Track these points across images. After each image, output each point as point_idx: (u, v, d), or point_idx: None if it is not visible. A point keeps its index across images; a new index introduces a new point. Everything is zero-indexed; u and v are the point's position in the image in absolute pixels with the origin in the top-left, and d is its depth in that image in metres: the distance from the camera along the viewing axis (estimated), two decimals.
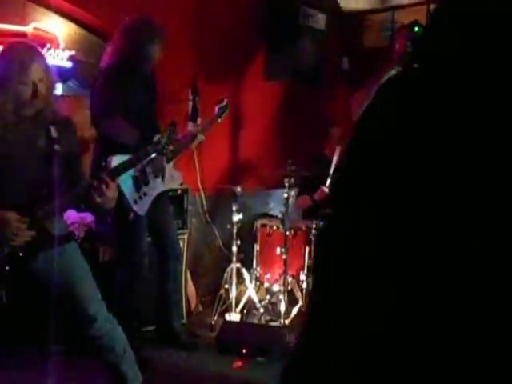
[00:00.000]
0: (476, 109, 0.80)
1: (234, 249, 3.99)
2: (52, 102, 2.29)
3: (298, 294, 3.87)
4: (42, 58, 2.30)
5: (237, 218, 3.98)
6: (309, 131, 4.85)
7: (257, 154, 4.78)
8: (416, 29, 3.39)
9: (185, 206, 3.96)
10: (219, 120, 3.78)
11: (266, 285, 4.10)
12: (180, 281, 3.82)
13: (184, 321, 3.89)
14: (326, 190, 4.18)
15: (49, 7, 3.62)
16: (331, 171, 4.26)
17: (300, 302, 3.81)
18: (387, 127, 0.87)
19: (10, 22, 3.47)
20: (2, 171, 2.17)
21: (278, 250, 3.89)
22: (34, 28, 3.56)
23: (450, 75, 0.84)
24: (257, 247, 4.19)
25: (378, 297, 0.84)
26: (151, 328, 3.66)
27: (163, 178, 3.30)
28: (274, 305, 3.97)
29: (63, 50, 3.66)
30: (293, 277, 3.93)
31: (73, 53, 3.70)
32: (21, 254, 2.17)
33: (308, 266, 4.05)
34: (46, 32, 3.61)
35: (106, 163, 2.73)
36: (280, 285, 3.87)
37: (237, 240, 4.00)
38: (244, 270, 4.00)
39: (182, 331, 3.66)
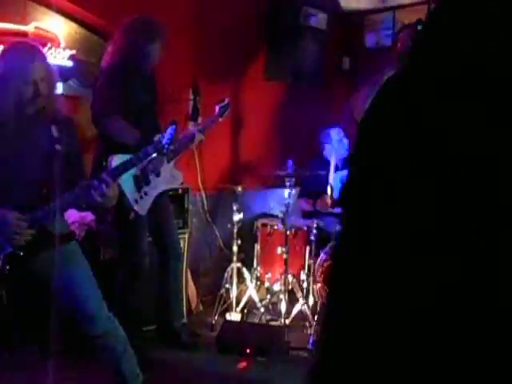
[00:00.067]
0: (479, 107, 0.80)
1: (235, 248, 3.99)
2: (53, 102, 2.29)
3: (299, 294, 3.86)
4: (43, 57, 2.30)
5: (237, 217, 3.98)
6: (309, 131, 4.85)
7: (257, 153, 4.78)
8: (420, 28, 3.38)
9: (185, 205, 3.96)
10: (220, 119, 3.79)
11: (267, 284, 4.10)
12: (181, 280, 3.82)
13: (185, 320, 3.89)
14: (328, 199, 4.17)
15: (50, 6, 3.62)
16: (331, 171, 4.26)
17: (301, 302, 3.81)
18: (391, 128, 0.87)
19: (11, 22, 3.47)
20: (2, 170, 2.17)
21: (279, 250, 3.88)
22: (35, 27, 3.55)
23: (451, 74, 0.84)
24: (257, 247, 4.19)
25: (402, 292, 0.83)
26: (152, 327, 3.65)
27: (158, 175, 3.29)
28: (274, 304, 3.97)
29: (64, 49, 3.65)
30: (293, 276, 3.92)
31: (73, 52, 3.70)
32: (21, 254, 2.17)
33: (308, 266, 4.05)
34: (47, 31, 3.61)
35: (107, 163, 2.74)
36: (281, 284, 3.86)
37: (237, 239, 4.00)
38: (244, 270, 4.00)
39: (183, 331, 3.66)
